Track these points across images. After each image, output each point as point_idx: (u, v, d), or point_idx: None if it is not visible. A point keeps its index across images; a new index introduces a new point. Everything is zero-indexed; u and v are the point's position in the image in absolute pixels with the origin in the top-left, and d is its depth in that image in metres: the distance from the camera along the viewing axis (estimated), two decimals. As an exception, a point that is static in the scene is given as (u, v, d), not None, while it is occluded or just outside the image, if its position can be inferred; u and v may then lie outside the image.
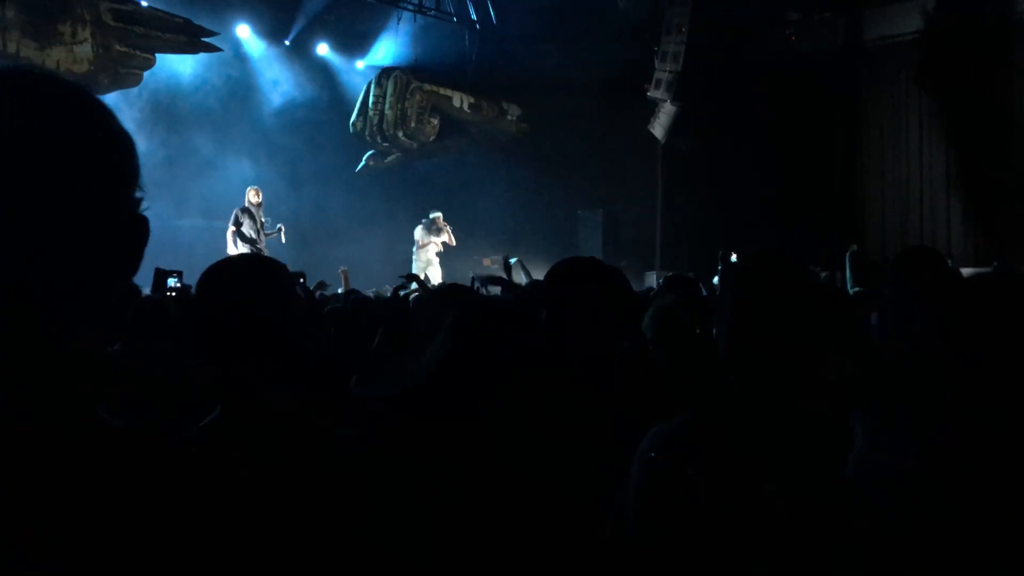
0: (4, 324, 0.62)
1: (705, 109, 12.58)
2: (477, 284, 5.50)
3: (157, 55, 11.66)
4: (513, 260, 6.28)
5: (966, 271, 8.54)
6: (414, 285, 4.99)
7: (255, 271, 1.56)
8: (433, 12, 14.09)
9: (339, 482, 1.34)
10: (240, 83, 12.90)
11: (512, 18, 14.09)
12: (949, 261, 3.21)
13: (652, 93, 12.74)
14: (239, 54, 12.90)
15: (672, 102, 12.59)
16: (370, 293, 6.94)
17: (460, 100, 14.91)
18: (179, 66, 12.13)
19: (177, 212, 11.14)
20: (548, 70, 13.40)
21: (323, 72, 14.02)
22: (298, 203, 12.65)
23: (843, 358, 2.21)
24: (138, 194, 0.72)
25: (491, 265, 13.11)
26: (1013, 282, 1.24)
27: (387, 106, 14.03)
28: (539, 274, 4.05)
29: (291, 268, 1.94)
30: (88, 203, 0.67)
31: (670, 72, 12.43)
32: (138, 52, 11.38)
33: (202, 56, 12.24)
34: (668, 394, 2.03)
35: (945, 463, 1.15)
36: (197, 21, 11.94)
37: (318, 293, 6.53)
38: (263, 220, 10.63)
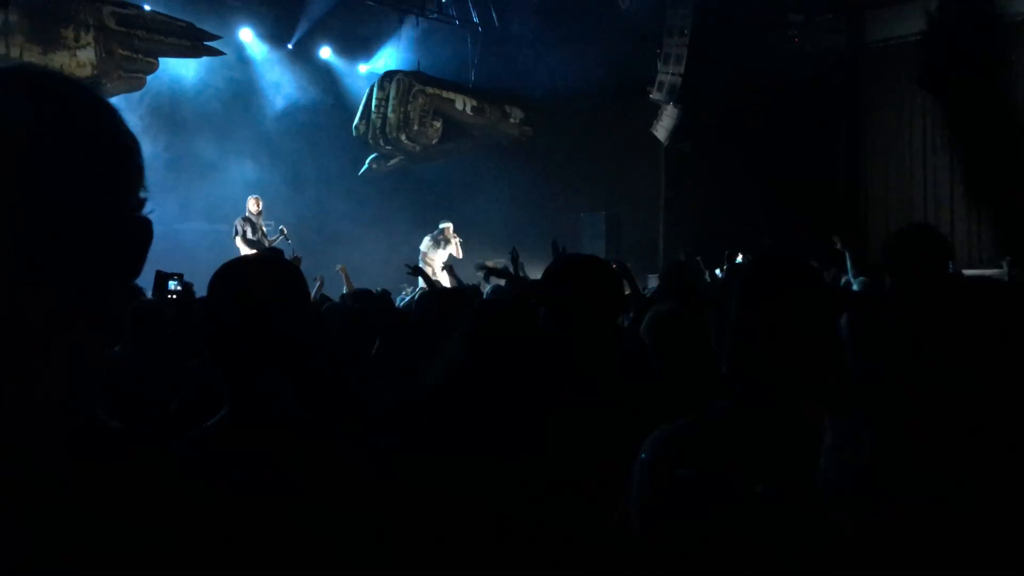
0: (4, 325, 0.62)
1: (708, 111, 12.58)
2: (481, 276, 5.49)
3: (160, 59, 11.69)
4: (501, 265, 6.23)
5: (969, 272, 8.54)
6: (421, 283, 4.99)
7: (265, 271, 1.54)
8: (436, 15, 14.11)
9: (355, 487, 1.34)
10: (243, 86, 12.92)
11: (515, 21, 14.11)
12: (950, 264, 3.20)
13: (655, 95, 12.74)
14: (242, 57, 12.92)
15: (675, 104, 12.60)
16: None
17: (463, 103, 14.92)
18: (182, 70, 12.15)
19: (180, 215, 11.15)
20: (550, 73, 13.42)
21: (326, 75, 14.04)
22: (300, 206, 12.67)
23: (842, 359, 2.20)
24: (142, 195, 0.71)
25: (496, 267, 13.09)
26: (993, 294, 1.23)
27: (390, 109, 14.05)
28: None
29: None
30: (91, 204, 0.66)
31: (672, 74, 12.43)
32: (141, 56, 11.41)
33: (205, 59, 12.27)
34: (668, 396, 2.03)
35: (896, 479, 1.14)
36: (200, 25, 11.97)
37: (317, 294, 6.53)
38: (264, 228, 10.65)
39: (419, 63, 14.37)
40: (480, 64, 14.80)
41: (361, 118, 14.11)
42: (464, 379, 1.78)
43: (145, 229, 0.71)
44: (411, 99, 14.19)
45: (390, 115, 14.05)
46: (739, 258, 8.65)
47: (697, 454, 1.38)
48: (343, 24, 13.61)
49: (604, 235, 13.64)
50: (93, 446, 0.67)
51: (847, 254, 6.16)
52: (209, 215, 11.69)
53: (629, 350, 2.81)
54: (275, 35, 13.11)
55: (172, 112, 11.96)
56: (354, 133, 14.14)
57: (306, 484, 1.27)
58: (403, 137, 14.25)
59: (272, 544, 1.13)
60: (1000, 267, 8.58)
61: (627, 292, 5.19)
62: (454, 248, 11.82)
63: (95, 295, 0.68)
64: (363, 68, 14.45)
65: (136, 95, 11.45)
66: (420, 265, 11.61)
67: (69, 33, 10.64)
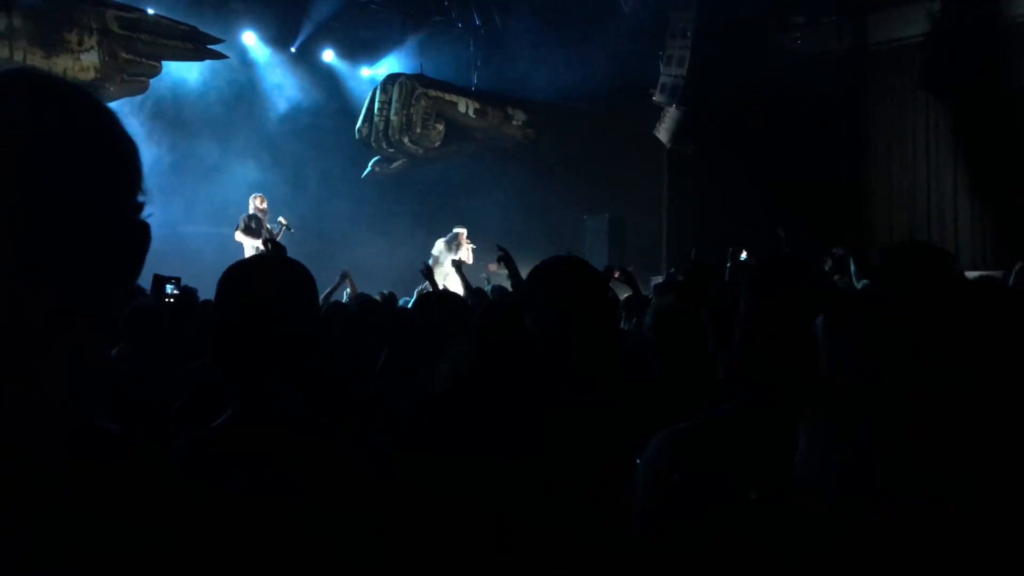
0: (4, 325, 0.63)
1: (710, 113, 12.56)
2: (485, 276, 5.49)
3: (163, 62, 11.71)
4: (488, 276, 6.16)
5: (973, 274, 8.50)
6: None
7: (270, 272, 1.54)
8: (438, 18, 14.13)
9: (355, 487, 1.34)
10: (246, 89, 12.92)
11: (517, 23, 14.12)
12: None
13: (657, 98, 12.73)
14: (245, 61, 12.93)
15: (677, 106, 12.59)
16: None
17: (465, 106, 14.94)
18: (185, 73, 12.17)
19: (184, 218, 11.16)
20: (553, 76, 13.41)
21: (328, 79, 14.04)
22: (303, 208, 12.67)
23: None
24: (140, 199, 0.72)
25: (496, 272, 13.10)
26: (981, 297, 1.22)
27: (392, 112, 14.07)
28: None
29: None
30: (91, 205, 0.66)
31: (675, 76, 12.43)
32: (144, 60, 11.43)
33: (208, 63, 12.29)
34: (668, 397, 2.03)
35: (896, 479, 1.13)
36: (203, 28, 11.98)
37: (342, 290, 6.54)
38: (269, 227, 10.66)
39: (421, 66, 14.39)
40: (482, 67, 14.81)
41: (364, 121, 14.12)
42: (466, 380, 1.78)
43: (144, 233, 0.71)
44: (414, 102, 14.21)
45: (393, 118, 14.07)
46: (743, 255, 8.61)
47: (699, 456, 1.38)
48: (346, 27, 13.63)
49: (607, 237, 13.63)
50: (93, 446, 0.67)
51: (851, 259, 6.13)
52: (213, 218, 11.70)
53: (629, 350, 2.81)
54: (278, 38, 13.12)
55: (175, 115, 11.97)
56: (357, 136, 14.16)
57: (307, 484, 1.28)
58: (406, 140, 14.27)
59: (272, 544, 1.13)
60: (1007, 271, 8.52)
61: (629, 294, 5.20)
62: (466, 253, 11.88)
63: (95, 296, 0.68)
64: (366, 71, 14.45)
65: (139, 98, 11.46)
66: (431, 265, 11.68)
67: (72, 37, 10.66)
